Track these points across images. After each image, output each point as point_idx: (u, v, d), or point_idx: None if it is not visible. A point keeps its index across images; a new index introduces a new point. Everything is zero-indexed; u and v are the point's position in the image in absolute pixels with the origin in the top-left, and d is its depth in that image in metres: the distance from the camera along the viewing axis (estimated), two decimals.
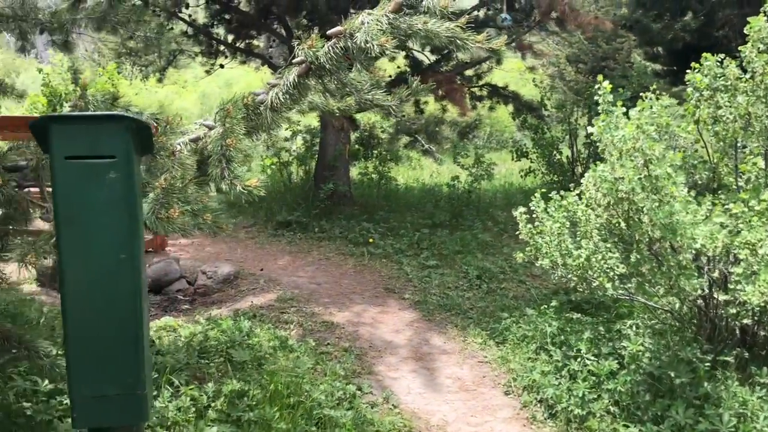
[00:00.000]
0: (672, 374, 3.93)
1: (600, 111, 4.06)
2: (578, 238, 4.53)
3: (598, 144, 4.01)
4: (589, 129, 4.00)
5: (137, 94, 24.15)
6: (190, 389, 3.78)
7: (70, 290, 1.96)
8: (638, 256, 4.03)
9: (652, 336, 4.55)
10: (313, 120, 10.65)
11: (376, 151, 11.09)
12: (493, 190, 11.49)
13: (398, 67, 10.97)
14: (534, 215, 4.67)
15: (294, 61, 3.13)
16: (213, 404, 3.73)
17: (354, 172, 10.86)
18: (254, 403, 3.75)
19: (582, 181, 4.05)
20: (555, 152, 10.34)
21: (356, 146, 11.58)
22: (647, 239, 3.87)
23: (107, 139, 1.90)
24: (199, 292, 6.57)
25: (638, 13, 11.19)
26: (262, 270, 7.17)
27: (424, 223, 8.81)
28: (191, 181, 2.74)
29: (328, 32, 3.07)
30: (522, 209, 4.73)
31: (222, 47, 10.71)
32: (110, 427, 2.04)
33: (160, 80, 11.76)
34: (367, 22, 2.94)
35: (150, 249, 8.00)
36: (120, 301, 1.98)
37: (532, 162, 10.52)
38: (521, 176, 10.69)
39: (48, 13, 4.78)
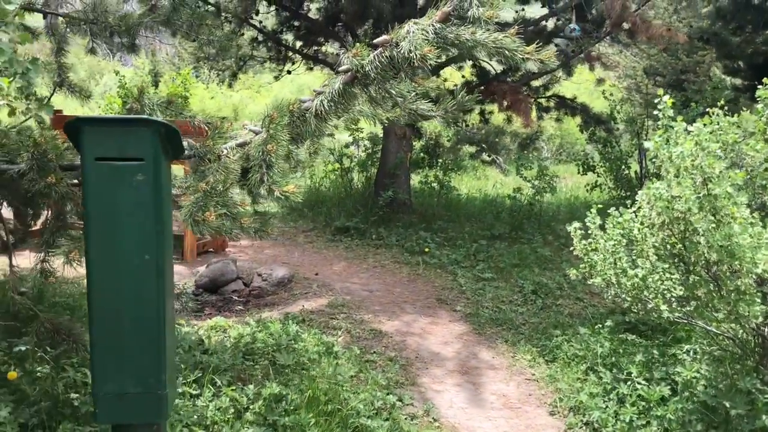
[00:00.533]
0: (728, 404, 3.73)
1: (659, 126, 3.91)
2: (634, 257, 4.37)
3: (654, 160, 3.86)
4: (646, 144, 3.85)
5: (213, 98, 24.88)
6: (232, 390, 3.83)
7: (96, 288, 2.01)
8: (695, 279, 3.85)
9: (709, 363, 4.33)
10: (376, 127, 10.71)
11: (441, 160, 11.08)
12: (557, 203, 11.26)
13: (463, 76, 10.92)
14: (590, 231, 4.54)
15: (340, 69, 3.14)
16: (252, 406, 3.76)
17: (416, 180, 10.85)
18: (292, 408, 3.77)
19: (636, 198, 3.90)
20: (623, 167, 10.05)
21: (422, 154, 11.58)
22: (704, 261, 3.69)
23: (136, 142, 1.94)
24: (254, 294, 6.67)
25: (717, 26, 10.77)
26: (317, 275, 7.23)
27: (482, 234, 8.70)
28: (232, 185, 2.78)
29: (375, 41, 3.06)
30: (576, 224, 4.60)
31: (290, 53, 10.90)
32: (131, 424, 2.09)
33: (230, 85, 12.03)
34: (413, 32, 2.92)
35: (211, 249, 8.20)
36: (143, 302, 2.03)
37: (599, 176, 10.25)
38: (587, 190, 10.42)
39: (117, 16, 4.97)
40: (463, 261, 7.67)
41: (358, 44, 3.00)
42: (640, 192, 3.83)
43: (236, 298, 6.61)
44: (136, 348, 2.02)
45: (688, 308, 4.22)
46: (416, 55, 2.79)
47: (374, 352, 5.14)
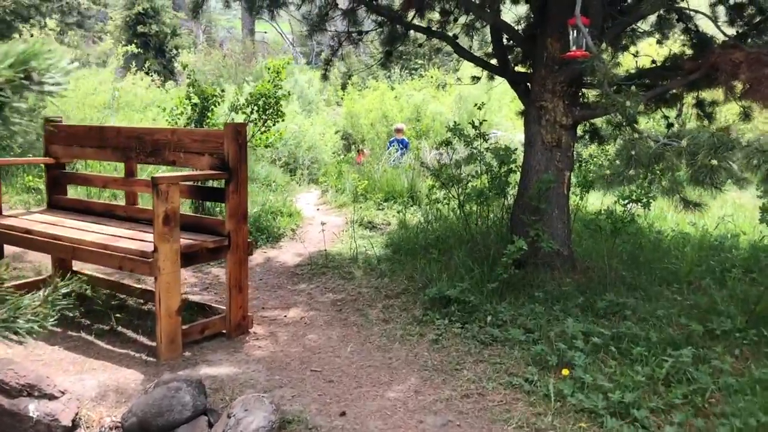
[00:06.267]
0: None
1: None
2: None
3: None
4: None
5: (397, 98, 22.61)
6: None
7: None
8: None
9: None
10: (514, 127, 7.03)
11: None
12: None
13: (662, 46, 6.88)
14: None
15: None
16: None
17: (583, 214, 6.96)
18: None
19: None
20: None
21: (608, 169, 7.64)
22: None
23: None
24: None
25: None
26: (343, 414, 3.86)
27: (687, 330, 4.68)
28: None
29: None
30: None
31: (397, 26, 7.57)
32: None
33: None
34: None
35: (223, 331, 5.17)
36: None
37: None
38: None
39: None
40: (639, 403, 3.79)
41: None
42: None
43: None
44: None
45: None
46: None
47: None
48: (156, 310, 4.63)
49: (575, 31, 4.94)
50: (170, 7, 31.56)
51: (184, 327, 4.82)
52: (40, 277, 6.27)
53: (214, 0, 26.13)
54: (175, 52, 28.89)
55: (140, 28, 28.92)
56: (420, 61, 30.24)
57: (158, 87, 21.38)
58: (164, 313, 4.62)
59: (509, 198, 6.46)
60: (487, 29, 7.93)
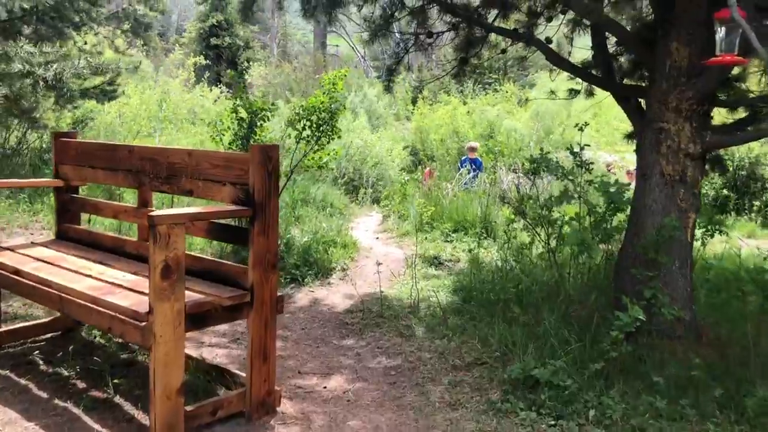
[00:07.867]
0: None
1: None
2: None
3: None
4: None
5: (469, 113, 21.56)
6: None
7: None
8: None
9: None
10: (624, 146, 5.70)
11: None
12: None
13: None
14: None
15: None
16: None
17: (701, 260, 5.51)
18: None
19: None
20: None
21: (724, 191, 6.31)
22: None
23: None
24: None
25: None
26: None
27: None
28: None
29: None
30: None
31: (475, 28, 6.33)
32: None
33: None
34: None
35: (243, 410, 4.02)
36: None
37: None
38: None
39: None
40: None
41: None
42: None
43: None
44: None
45: None
46: None
47: None
48: (150, 389, 3.52)
49: (724, 29, 3.60)
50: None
51: (189, 408, 3.70)
52: (51, 317, 5.33)
53: (284, 11, 25.60)
54: (246, 64, 28.55)
55: (213, 41, 28.73)
56: (494, 75, 28.84)
57: (228, 99, 20.88)
58: (160, 394, 3.50)
59: (613, 243, 5.11)
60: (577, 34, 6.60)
